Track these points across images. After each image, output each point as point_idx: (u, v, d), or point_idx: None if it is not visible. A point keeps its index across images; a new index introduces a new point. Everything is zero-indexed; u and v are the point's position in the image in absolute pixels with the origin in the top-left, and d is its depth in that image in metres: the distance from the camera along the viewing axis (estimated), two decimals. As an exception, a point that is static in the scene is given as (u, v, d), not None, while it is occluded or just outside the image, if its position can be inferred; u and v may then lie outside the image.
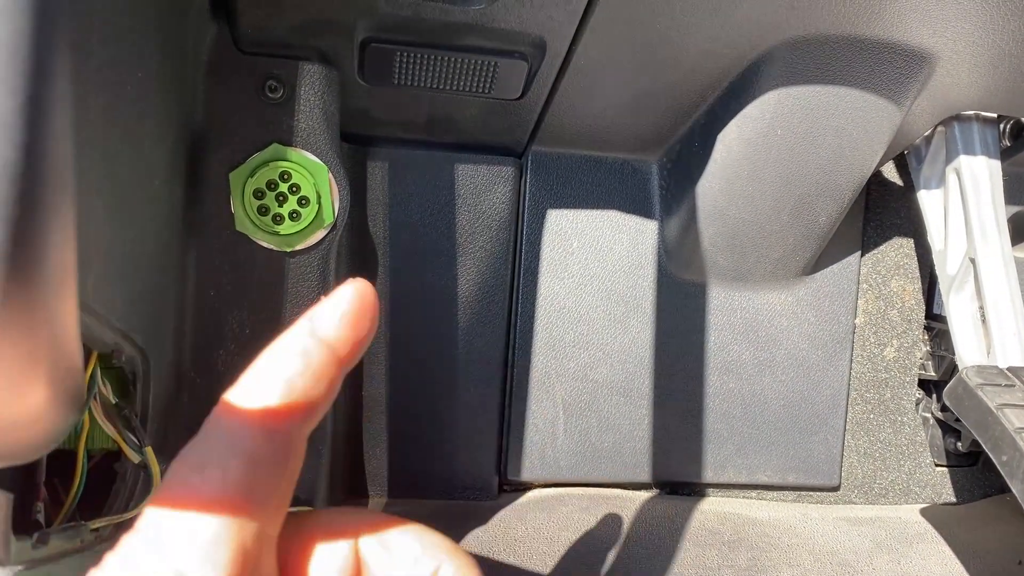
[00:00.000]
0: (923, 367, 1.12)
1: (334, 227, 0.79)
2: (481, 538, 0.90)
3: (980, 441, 0.79)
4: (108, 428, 0.55)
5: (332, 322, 0.30)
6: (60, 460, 0.55)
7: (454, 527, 0.92)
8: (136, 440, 0.57)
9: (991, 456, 0.77)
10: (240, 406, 0.28)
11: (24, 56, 0.19)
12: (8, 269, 0.21)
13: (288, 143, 0.77)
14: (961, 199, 0.95)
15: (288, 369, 0.29)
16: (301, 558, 0.30)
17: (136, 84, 0.52)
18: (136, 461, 0.57)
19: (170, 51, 0.62)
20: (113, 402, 0.57)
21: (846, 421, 1.08)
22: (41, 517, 0.52)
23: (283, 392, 0.29)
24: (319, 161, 0.77)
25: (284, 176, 0.76)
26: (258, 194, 0.76)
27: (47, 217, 0.21)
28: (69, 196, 0.22)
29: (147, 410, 0.62)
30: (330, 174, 0.78)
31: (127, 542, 0.26)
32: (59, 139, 0.21)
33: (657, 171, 1.00)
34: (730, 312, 1.03)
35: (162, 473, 0.59)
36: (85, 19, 0.39)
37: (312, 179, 0.77)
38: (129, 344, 0.56)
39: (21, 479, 0.51)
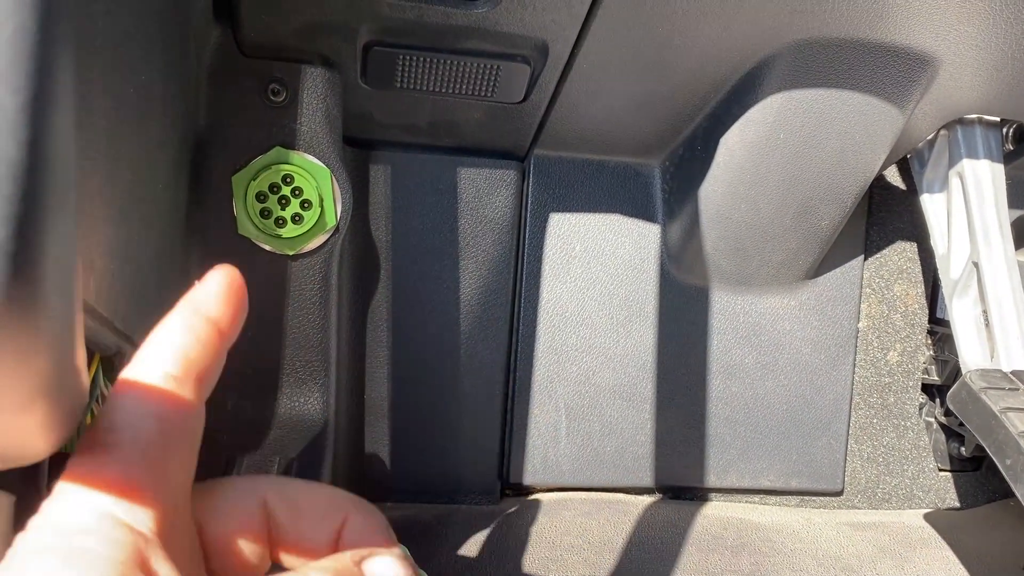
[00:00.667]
0: (926, 371, 1.11)
1: (336, 230, 0.79)
2: (483, 543, 0.90)
3: (984, 445, 0.79)
4: (110, 431, 0.55)
5: (209, 301, 0.34)
6: (62, 462, 0.54)
7: (456, 531, 0.91)
8: (138, 443, 0.57)
9: (995, 460, 0.77)
10: (141, 377, 0.31)
11: (28, 53, 0.19)
12: (10, 266, 0.21)
13: (291, 146, 0.77)
14: (964, 203, 0.94)
15: (179, 341, 0.32)
16: (214, 521, 0.32)
17: (140, 87, 0.52)
18: (138, 464, 0.57)
19: (173, 54, 0.62)
20: (115, 405, 0.57)
21: (849, 426, 1.07)
22: (43, 520, 0.51)
23: (178, 360, 0.31)
24: (322, 164, 0.77)
25: (287, 179, 0.76)
26: (261, 197, 0.76)
27: (49, 215, 0.21)
28: (71, 195, 0.22)
29: (149, 413, 0.62)
30: (333, 177, 0.78)
31: (51, 502, 0.28)
32: (62, 137, 0.21)
33: (660, 175, 1.00)
34: (733, 316, 1.03)
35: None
36: (89, 22, 0.39)
37: (315, 182, 0.77)
38: (132, 347, 0.55)
39: (23, 481, 0.51)
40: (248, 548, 0.32)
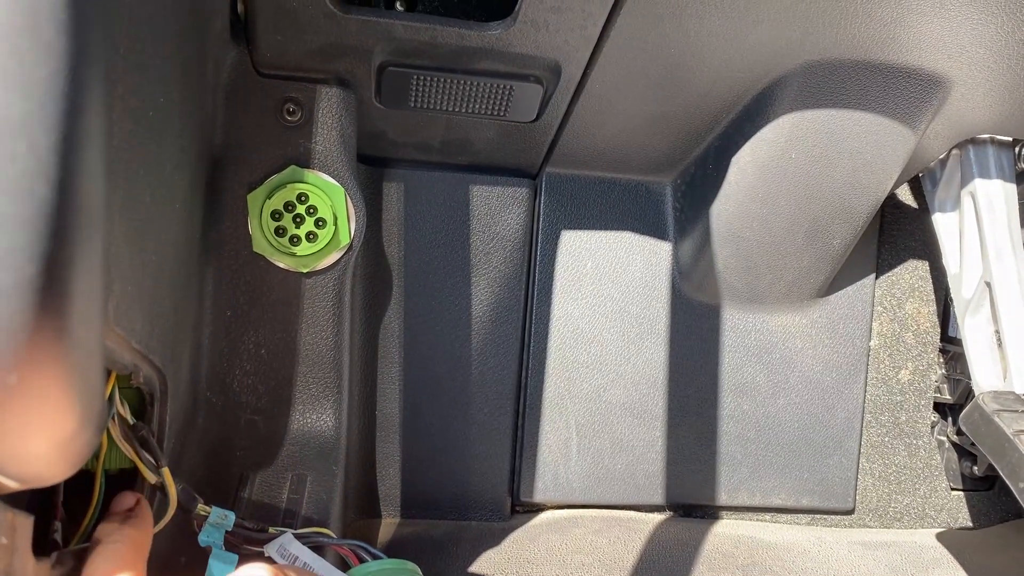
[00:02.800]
0: (938, 390, 1.11)
1: (350, 248, 0.79)
2: (493, 560, 0.90)
3: (997, 467, 0.79)
4: (125, 448, 0.56)
5: None
6: (78, 480, 0.55)
7: (466, 548, 0.91)
8: (153, 460, 0.57)
9: (1008, 483, 0.76)
10: None
11: (59, 96, 0.20)
12: (39, 302, 0.21)
13: (305, 165, 0.77)
14: (976, 222, 0.94)
15: None
16: None
17: (158, 109, 0.52)
18: (153, 481, 0.58)
19: (191, 75, 0.63)
20: (131, 422, 0.57)
21: (861, 444, 1.07)
22: (59, 537, 0.52)
23: None
24: (336, 183, 0.78)
25: (301, 197, 0.77)
26: (275, 215, 0.77)
27: (78, 252, 0.22)
28: (99, 232, 0.23)
29: (164, 430, 0.62)
30: (347, 195, 0.78)
31: None
32: (92, 177, 0.21)
33: (671, 193, 1.00)
34: (744, 334, 1.02)
35: (178, 493, 0.59)
36: (112, 49, 0.40)
37: (329, 200, 0.77)
38: (147, 365, 0.56)
39: (40, 499, 0.51)
40: None
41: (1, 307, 0.21)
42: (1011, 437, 0.75)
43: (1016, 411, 0.79)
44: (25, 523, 0.39)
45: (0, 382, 0.23)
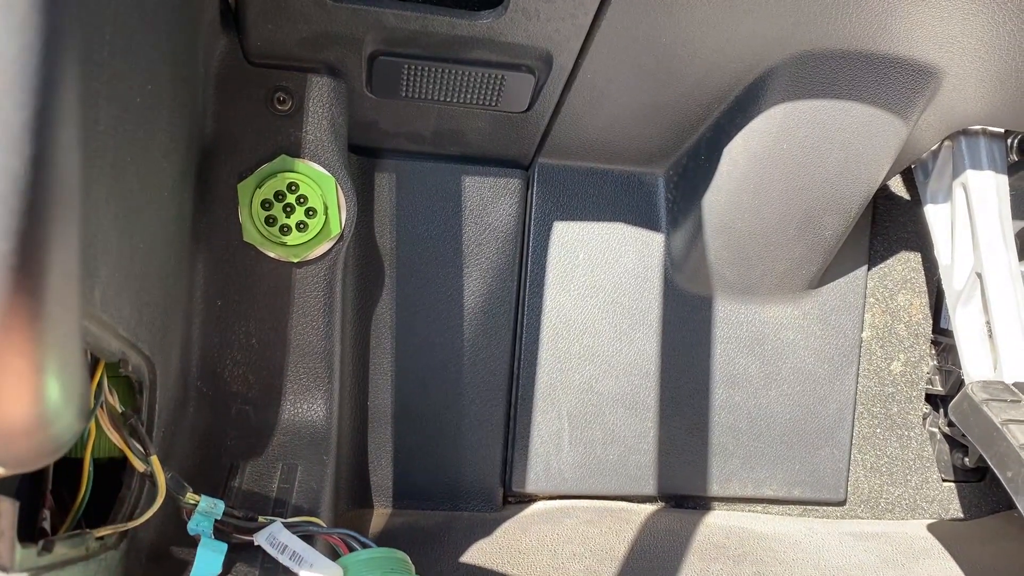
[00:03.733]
0: (930, 382, 1.11)
1: (341, 238, 0.79)
2: (485, 550, 0.90)
3: (985, 457, 0.79)
4: (114, 437, 0.56)
5: None
6: (67, 468, 0.55)
7: (458, 539, 0.92)
8: (142, 449, 0.57)
9: (996, 472, 0.77)
10: None
11: (32, 71, 0.20)
12: (12, 279, 0.21)
13: (296, 154, 0.77)
14: (968, 213, 0.94)
15: None
16: None
17: (146, 96, 0.52)
18: (142, 470, 0.58)
19: (180, 63, 0.63)
20: (120, 411, 0.57)
21: (852, 435, 1.07)
22: (47, 524, 0.52)
23: None
24: (326, 172, 0.78)
25: (292, 187, 0.77)
26: (266, 205, 0.77)
27: (52, 228, 0.21)
28: (75, 209, 0.23)
29: (153, 419, 0.62)
30: (337, 185, 0.78)
31: None
32: (66, 152, 0.21)
33: (663, 184, 1.00)
34: (736, 325, 1.03)
35: (167, 481, 0.59)
36: (95, 32, 0.40)
37: (319, 190, 0.77)
38: (136, 353, 0.56)
39: (28, 487, 0.51)
40: None
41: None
42: (999, 426, 0.75)
43: (1005, 400, 0.79)
44: (10, 508, 0.39)
45: None
